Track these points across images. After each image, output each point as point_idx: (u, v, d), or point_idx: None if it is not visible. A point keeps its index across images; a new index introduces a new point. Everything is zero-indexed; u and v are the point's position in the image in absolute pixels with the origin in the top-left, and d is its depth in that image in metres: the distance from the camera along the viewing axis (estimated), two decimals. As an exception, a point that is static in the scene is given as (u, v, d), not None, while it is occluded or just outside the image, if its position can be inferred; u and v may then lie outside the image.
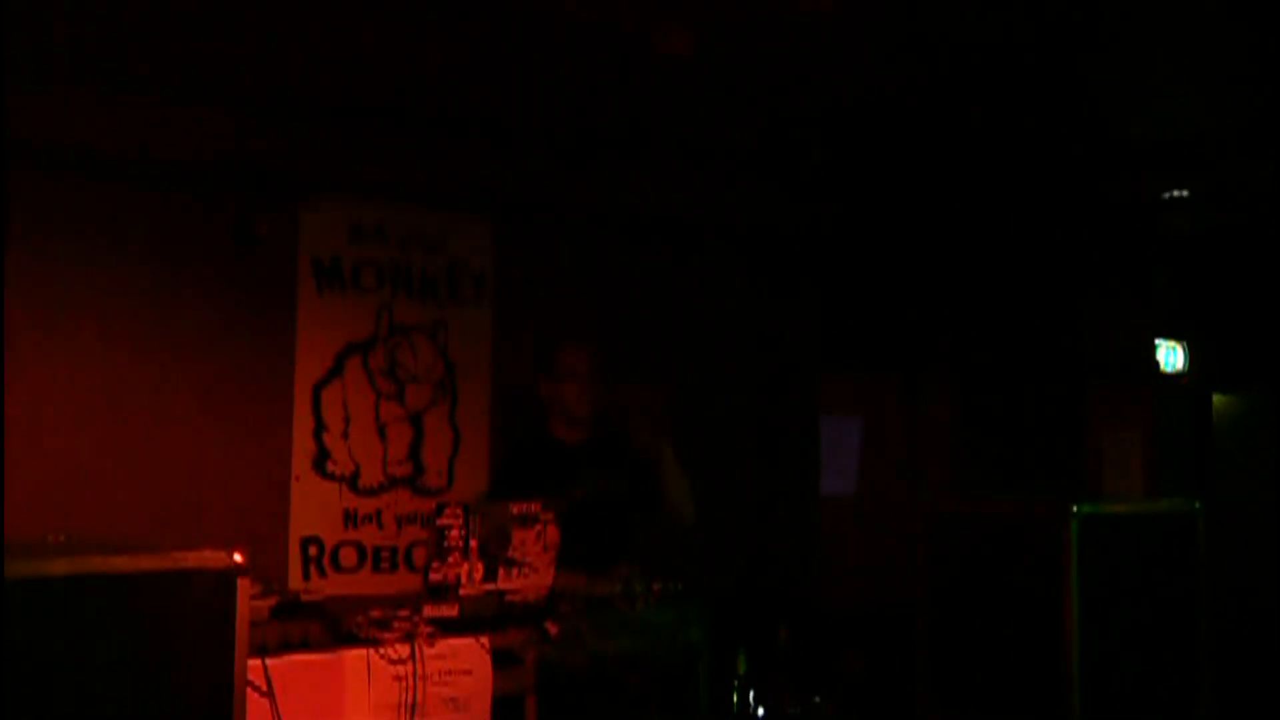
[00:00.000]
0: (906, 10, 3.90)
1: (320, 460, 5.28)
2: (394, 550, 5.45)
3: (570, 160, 5.64)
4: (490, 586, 3.39)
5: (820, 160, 5.89)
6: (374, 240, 5.45)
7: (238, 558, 2.16)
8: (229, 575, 2.15)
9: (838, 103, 4.93)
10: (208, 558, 2.14)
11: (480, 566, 3.38)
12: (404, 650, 3.08)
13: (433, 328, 5.61)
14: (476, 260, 5.73)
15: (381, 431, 5.46)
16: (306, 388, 5.26)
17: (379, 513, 5.43)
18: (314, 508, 5.26)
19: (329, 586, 5.00)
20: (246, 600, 2.18)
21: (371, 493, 5.41)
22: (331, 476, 5.31)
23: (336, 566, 5.30)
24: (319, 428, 5.28)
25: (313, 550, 5.25)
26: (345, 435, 5.35)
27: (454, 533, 3.34)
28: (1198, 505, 3.64)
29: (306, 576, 5.17)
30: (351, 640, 3.06)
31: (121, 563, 2.03)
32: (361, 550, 5.37)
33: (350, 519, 5.35)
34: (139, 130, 4.65)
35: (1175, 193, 6.11)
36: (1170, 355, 7.47)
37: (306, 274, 5.28)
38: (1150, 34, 4.11)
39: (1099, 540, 3.22)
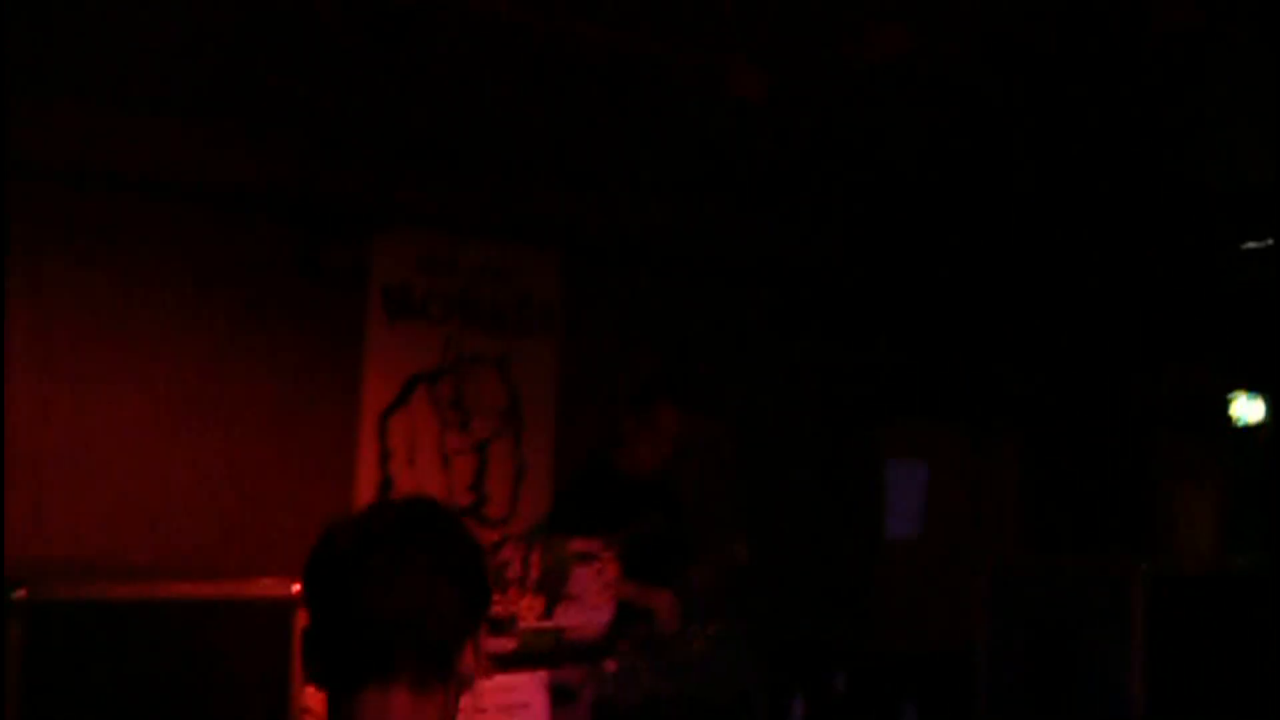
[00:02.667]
0: (974, 58, 3.87)
1: (385, 488, 5.32)
2: (454, 580, 5.46)
3: (637, 198, 5.66)
4: (549, 623, 3.38)
5: (894, 210, 5.85)
6: (443, 271, 5.50)
7: (296, 588, 2.18)
8: (288, 604, 2.16)
9: (915, 151, 4.91)
10: (267, 586, 2.16)
11: (539, 601, 3.38)
12: (459, 683, 3.08)
13: (499, 359, 5.63)
14: (544, 293, 5.76)
15: (446, 461, 5.49)
16: (373, 415, 5.30)
17: (440, 542, 5.45)
18: (376, 535, 5.28)
19: (388, 614, 5.01)
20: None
21: (434, 522, 5.43)
22: (395, 504, 5.35)
23: (396, 594, 5.32)
24: (384, 455, 5.32)
25: (374, 577, 5.27)
26: (410, 463, 5.39)
27: (514, 566, 3.34)
28: (1277, 565, 3.53)
29: (366, 603, 5.19)
30: (408, 671, 3.06)
31: (182, 589, 2.06)
32: (422, 579, 5.39)
33: (412, 547, 5.37)
34: (222, 161, 4.74)
35: (1258, 243, 5.97)
36: (1249, 407, 7.28)
37: (377, 304, 5.33)
38: (1227, 80, 4.04)
39: (1169, 601, 3.13)
